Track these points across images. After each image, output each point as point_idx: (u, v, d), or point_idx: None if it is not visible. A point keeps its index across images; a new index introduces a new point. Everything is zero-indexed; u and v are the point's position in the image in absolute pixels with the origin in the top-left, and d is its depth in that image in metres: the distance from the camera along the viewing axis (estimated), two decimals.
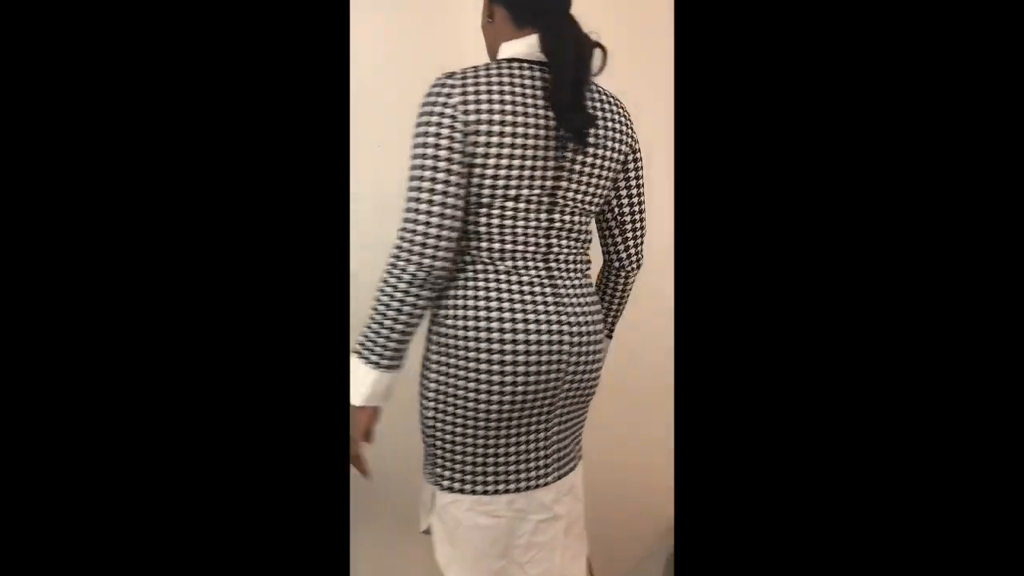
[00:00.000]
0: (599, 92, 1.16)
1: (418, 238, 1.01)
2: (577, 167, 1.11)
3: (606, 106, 1.15)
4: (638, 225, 1.29)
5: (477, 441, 1.15)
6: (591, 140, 1.11)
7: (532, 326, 1.10)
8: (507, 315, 1.09)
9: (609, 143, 1.14)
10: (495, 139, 1.03)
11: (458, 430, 1.14)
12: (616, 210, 1.26)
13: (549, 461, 1.21)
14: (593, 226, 1.25)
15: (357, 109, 1.27)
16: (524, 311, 1.10)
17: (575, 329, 1.14)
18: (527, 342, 1.09)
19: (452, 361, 1.11)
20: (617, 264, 1.31)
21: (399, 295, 1.02)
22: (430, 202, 1.01)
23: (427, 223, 1.02)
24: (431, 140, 1.02)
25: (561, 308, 1.13)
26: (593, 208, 1.18)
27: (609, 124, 1.14)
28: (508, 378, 1.09)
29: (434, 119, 1.03)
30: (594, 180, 1.15)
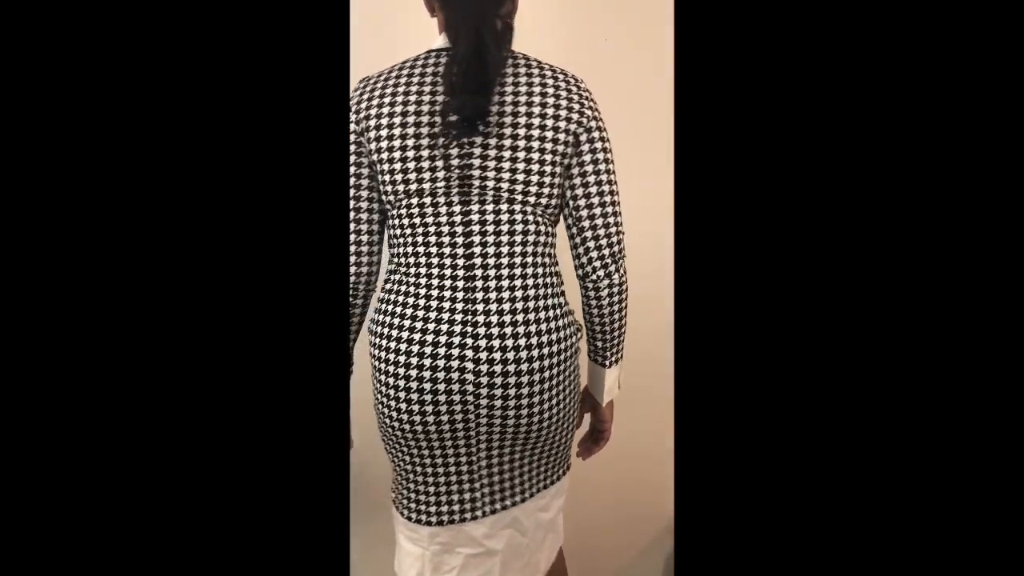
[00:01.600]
0: (535, 68, 1.05)
1: None
2: (492, 151, 1.00)
3: (536, 80, 1.03)
4: (599, 223, 1.05)
5: (397, 462, 1.10)
6: (501, 119, 1.00)
7: (428, 348, 1.00)
8: (404, 334, 1.02)
9: (536, 120, 1.01)
10: (384, 132, 1.01)
11: (386, 445, 1.11)
12: (571, 203, 1.05)
13: (478, 495, 1.10)
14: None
15: None
16: (424, 330, 1.01)
17: (485, 355, 1.00)
18: (420, 367, 1.00)
19: (372, 373, 1.07)
20: (581, 272, 1.09)
21: None
22: None
23: None
24: None
25: (472, 327, 1.01)
26: (531, 197, 1.02)
27: (536, 100, 1.01)
28: (403, 404, 1.02)
29: None
30: (520, 164, 1.00)
